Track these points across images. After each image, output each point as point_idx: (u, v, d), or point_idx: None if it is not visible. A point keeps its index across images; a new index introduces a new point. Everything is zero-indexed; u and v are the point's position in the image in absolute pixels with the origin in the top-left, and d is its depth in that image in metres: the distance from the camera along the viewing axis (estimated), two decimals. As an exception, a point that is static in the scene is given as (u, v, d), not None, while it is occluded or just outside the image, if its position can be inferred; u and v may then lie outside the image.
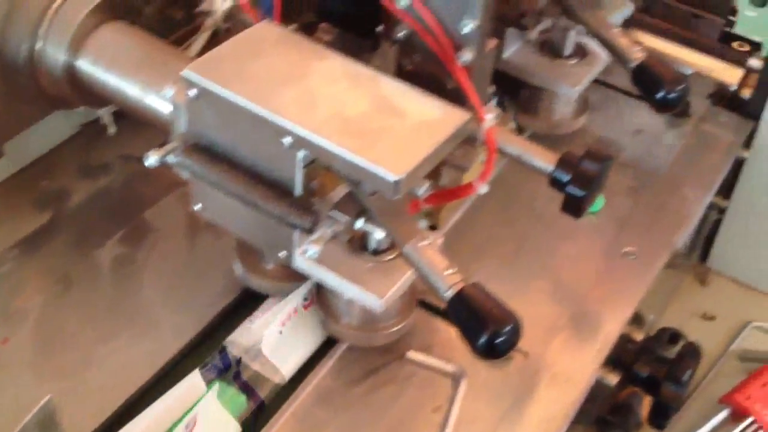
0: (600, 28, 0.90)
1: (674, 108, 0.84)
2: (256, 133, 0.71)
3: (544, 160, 0.80)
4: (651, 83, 0.84)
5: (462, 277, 0.67)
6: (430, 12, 0.79)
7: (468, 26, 0.78)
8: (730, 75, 1.17)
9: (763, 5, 1.19)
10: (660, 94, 0.83)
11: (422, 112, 0.71)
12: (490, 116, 0.79)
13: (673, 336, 0.95)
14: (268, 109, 0.69)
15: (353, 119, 0.69)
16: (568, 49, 0.99)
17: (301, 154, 0.70)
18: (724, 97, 1.15)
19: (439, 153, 0.69)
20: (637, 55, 0.86)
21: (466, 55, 0.80)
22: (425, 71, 0.84)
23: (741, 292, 1.24)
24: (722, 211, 1.19)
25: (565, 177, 0.78)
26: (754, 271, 1.23)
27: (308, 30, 0.96)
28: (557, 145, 0.82)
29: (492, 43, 0.86)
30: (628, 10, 1.05)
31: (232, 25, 0.95)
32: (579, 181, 0.77)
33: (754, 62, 1.10)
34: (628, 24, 1.18)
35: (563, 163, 0.78)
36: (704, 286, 1.25)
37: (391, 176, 0.64)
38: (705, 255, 1.26)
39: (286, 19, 0.87)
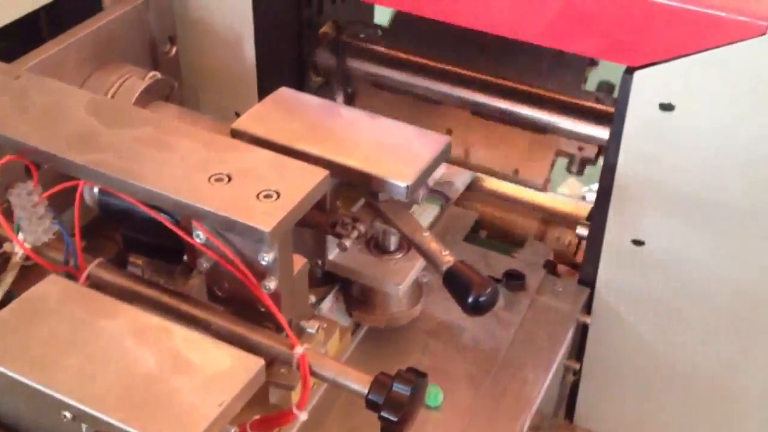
0: (412, 232, 0.91)
1: (485, 311, 0.84)
2: (38, 406, 0.68)
3: (359, 383, 0.78)
4: (460, 288, 0.84)
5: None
6: (229, 246, 0.79)
7: (266, 259, 0.78)
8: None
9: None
10: (470, 299, 0.83)
11: (214, 364, 0.69)
12: (299, 348, 0.78)
13: None
14: (45, 383, 0.66)
15: (137, 384, 0.67)
16: (392, 245, 0.99)
17: (84, 427, 0.66)
18: (559, 262, 1.18)
19: (232, 409, 0.67)
20: (446, 259, 0.87)
21: (271, 283, 0.79)
22: (236, 296, 0.83)
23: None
24: (577, 372, 1.19)
25: (380, 400, 0.76)
26: (619, 424, 1.23)
27: (120, 258, 0.95)
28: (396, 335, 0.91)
29: (300, 263, 0.85)
30: (435, 209, 1.13)
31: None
32: (392, 406, 0.75)
33: (582, 230, 1.13)
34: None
35: (376, 386, 0.77)
36: (573, 445, 1.25)
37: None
38: (570, 414, 1.26)
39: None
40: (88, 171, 0.80)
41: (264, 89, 1.29)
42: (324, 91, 1.39)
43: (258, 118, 0.97)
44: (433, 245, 0.89)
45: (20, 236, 0.87)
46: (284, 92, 1.02)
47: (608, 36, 0.93)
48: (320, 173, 0.79)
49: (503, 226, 1.28)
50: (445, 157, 0.94)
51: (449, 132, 1.30)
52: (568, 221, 1.24)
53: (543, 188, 1.27)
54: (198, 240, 0.80)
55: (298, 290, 0.86)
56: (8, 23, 1.04)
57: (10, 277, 0.88)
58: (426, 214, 1.12)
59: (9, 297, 0.88)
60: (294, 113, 0.98)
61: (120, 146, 0.82)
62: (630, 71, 0.94)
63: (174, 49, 1.24)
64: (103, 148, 0.82)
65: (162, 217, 0.80)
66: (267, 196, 0.76)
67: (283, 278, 0.81)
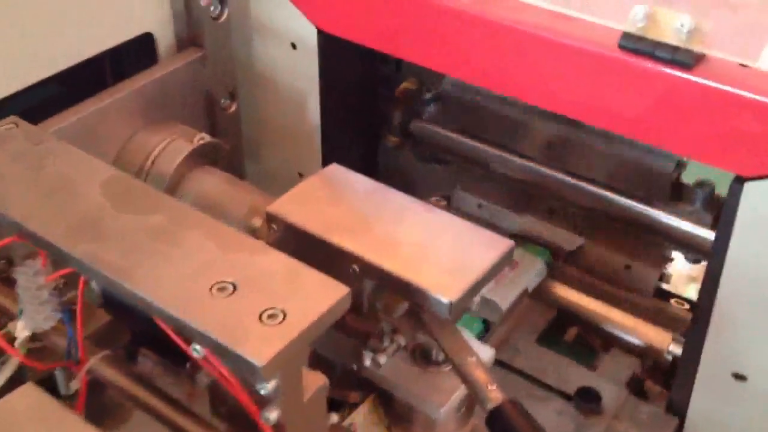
0: (456, 353, 0.77)
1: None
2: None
3: None
4: (505, 434, 0.70)
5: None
6: (228, 365, 0.67)
7: (265, 388, 0.66)
8: (661, 340, 1.03)
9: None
10: (514, 450, 0.69)
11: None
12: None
13: None
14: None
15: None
16: (440, 355, 0.86)
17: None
18: (648, 377, 1.01)
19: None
20: (493, 396, 0.73)
21: (271, 414, 0.67)
22: (239, 416, 0.72)
23: None
24: None
25: None
26: None
27: (130, 354, 0.85)
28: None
29: (316, 384, 0.73)
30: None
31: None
32: None
33: (675, 348, 0.95)
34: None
35: None
36: None
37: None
38: None
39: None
40: (84, 266, 0.71)
41: (330, 148, 1.19)
42: (400, 154, 1.27)
43: (298, 200, 0.86)
44: (479, 374, 0.75)
45: (22, 321, 0.80)
46: (334, 170, 0.90)
47: (718, 138, 0.76)
48: (339, 291, 0.66)
49: (587, 321, 1.10)
50: (506, 263, 0.80)
51: (551, 212, 1.14)
52: (664, 320, 1.06)
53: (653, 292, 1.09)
54: (196, 354, 0.69)
55: (311, 415, 0.73)
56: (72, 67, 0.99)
57: (8, 371, 0.81)
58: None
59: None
60: (338, 197, 0.86)
61: (124, 237, 0.72)
62: (740, 181, 0.77)
63: (234, 105, 1.14)
64: (105, 238, 0.72)
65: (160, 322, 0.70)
66: (271, 317, 0.64)
67: (288, 407, 0.68)
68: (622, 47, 0.80)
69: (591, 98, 0.86)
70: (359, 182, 0.88)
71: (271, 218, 0.84)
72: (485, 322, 1.03)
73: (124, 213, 0.76)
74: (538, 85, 0.91)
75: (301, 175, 1.23)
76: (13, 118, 0.90)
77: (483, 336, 1.02)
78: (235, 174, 1.05)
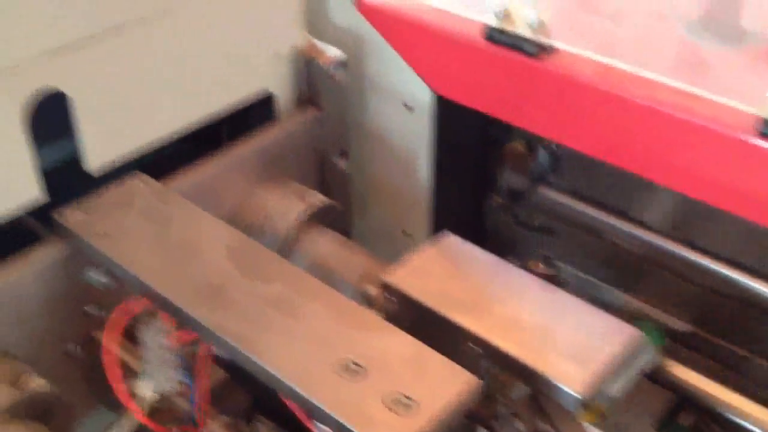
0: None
1: None
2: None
3: None
4: None
5: None
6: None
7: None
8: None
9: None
10: None
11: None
12: None
13: None
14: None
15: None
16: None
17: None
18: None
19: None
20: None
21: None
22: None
23: None
24: None
25: None
26: None
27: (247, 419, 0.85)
28: None
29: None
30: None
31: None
32: None
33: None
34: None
35: None
36: None
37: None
38: None
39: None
40: (209, 333, 0.71)
41: (438, 208, 1.18)
42: (505, 214, 1.26)
43: (414, 271, 0.85)
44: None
45: (144, 380, 0.81)
46: (450, 241, 0.89)
47: None
48: (470, 382, 0.65)
49: (706, 406, 1.04)
50: (634, 354, 0.77)
51: (665, 288, 1.09)
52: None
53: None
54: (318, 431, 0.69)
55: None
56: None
57: (126, 428, 0.82)
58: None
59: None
60: (457, 271, 0.85)
61: (248, 306, 0.73)
62: None
63: (345, 163, 1.15)
64: (230, 306, 0.73)
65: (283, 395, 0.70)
66: (401, 404, 0.63)
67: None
68: (763, 134, 0.77)
69: (721, 180, 0.83)
70: (477, 255, 0.87)
71: (388, 288, 0.83)
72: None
73: (247, 280, 0.76)
74: (660, 162, 0.88)
75: (405, 233, 1.23)
76: (138, 174, 0.93)
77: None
78: (341, 229, 1.06)
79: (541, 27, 0.90)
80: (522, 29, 0.92)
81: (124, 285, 0.83)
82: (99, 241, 0.82)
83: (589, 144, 0.95)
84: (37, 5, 0.78)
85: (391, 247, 1.24)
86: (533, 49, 0.91)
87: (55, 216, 0.85)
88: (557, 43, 0.92)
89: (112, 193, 0.88)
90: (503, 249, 1.27)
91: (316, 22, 1.12)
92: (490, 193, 1.25)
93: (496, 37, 0.93)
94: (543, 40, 0.91)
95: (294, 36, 1.08)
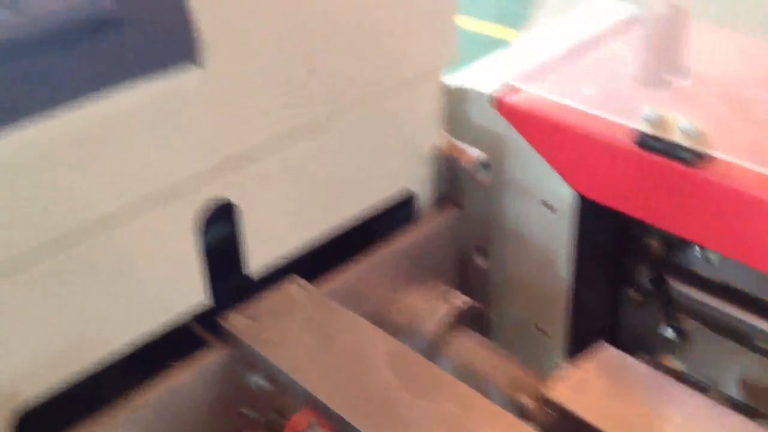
0: None
1: None
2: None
3: None
4: None
5: None
6: None
7: None
8: None
9: None
10: None
11: None
12: None
13: None
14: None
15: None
16: None
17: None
18: None
19: None
20: None
21: None
22: None
23: None
24: None
25: None
26: None
27: None
28: None
29: None
30: None
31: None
32: None
33: None
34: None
35: None
36: None
37: None
38: None
39: None
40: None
41: (574, 304, 1.16)
42: (644, 311, 1.23)
43: (574, 386, 0.84)
44: None
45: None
46: (607, 354, 0.88)
47: None
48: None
49: None
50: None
51: None
52: None
53: None
54: None
55: None
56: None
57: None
58: None
59: None
60: (617, 386, 0.83)
61: (419, 425, 0.73)
62: None
63: (485, 261, 1.16)
64: (398, 421, 0.74)
65: None
66: None
67: None
68: None
69: None
70: (637, 368, 0.86)
71: (549, 404, 0.82)
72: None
73: (413, 395, 0.77)
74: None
75: (538, 328, 1.22)
76: (295, 278, 0.95)
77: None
78: (478, 325, 1.06)
79: (699, 136, 0.90)
80: (678, 137, 0.91)
81: (285, 391, 0.84)
82: (264, 347, 0.84)
83: (745, 252, 0.93)
84: (211, 121, 0.83)
85: (523, 341, 1.23)
86: (691, 158, 0.90)
87: (221, 321, 0.88)
88: (713, 152, 0.91)
89: (272, 298, 0.91)
90: (637, 344, 1.24)
91: (455, 122, 1.14)
92: (625, 288, 1.23)
93: (650, 143, 0.93)
94: (700, 148, 0.90)
95: (434, 136, 1.10)
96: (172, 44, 0.72)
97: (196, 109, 0.78)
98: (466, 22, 3.49)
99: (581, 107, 1.04)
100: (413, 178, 1.10)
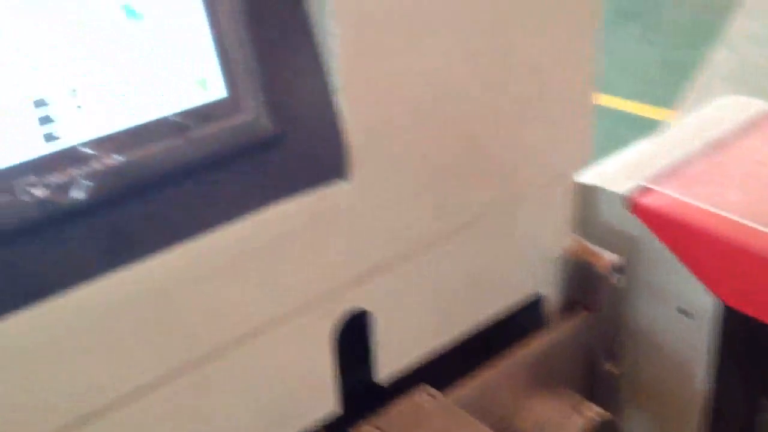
0: None
1: None
2: None
3: None
4: None
5: None
6: None
7: None
8: None
9: None
10: None
11: None
12: None
13: None
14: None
15: None
16: None
17: None
18: None
19: None
20: None
21: None
22: None
23: None
24: None
25: None
26: None
27: None
28: None
29: None
30: None
31: None
32: None
33: None
34: None
35: None
36: None
37: None
38: None
39: None
40: None
41: (710, 414, 1.09)
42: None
43: None
44: None
45: None
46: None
47: None
48: None
49: None
50: None
51: None
52: None
53: None
54: None
55: None
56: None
57: None
58: None
59: None
60: None
61: None
62: None
63: (616, 367, 1.10)
64: None
65: None
66: None
67: None
68: None
69: None
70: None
71: None
72: None
73: None
74: None
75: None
76: (424, 387, 0.92)
77: None
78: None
79: None
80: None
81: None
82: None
83: None
84: (357, 234, 0.82)
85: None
86: None
87: None
88: None
89: (402, 408, 0.88)
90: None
91: (586, 220, 1.11)
92: (764, 400, 1.15)
93: (807, 257, 0.88)
94: None
95: (565, 238, 1.07)
96: (323, 161, 0.72)
97: (342, 223, 0.78)
98: (610, 101, 3.51)
99: (725, 213, 0.99)
100: (542, 281, 1.06)
